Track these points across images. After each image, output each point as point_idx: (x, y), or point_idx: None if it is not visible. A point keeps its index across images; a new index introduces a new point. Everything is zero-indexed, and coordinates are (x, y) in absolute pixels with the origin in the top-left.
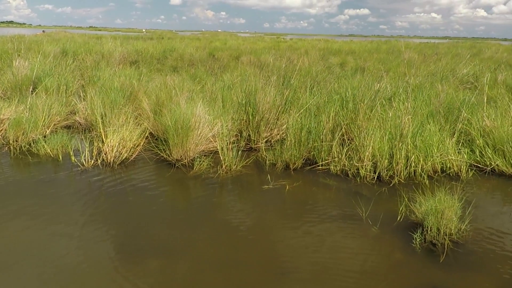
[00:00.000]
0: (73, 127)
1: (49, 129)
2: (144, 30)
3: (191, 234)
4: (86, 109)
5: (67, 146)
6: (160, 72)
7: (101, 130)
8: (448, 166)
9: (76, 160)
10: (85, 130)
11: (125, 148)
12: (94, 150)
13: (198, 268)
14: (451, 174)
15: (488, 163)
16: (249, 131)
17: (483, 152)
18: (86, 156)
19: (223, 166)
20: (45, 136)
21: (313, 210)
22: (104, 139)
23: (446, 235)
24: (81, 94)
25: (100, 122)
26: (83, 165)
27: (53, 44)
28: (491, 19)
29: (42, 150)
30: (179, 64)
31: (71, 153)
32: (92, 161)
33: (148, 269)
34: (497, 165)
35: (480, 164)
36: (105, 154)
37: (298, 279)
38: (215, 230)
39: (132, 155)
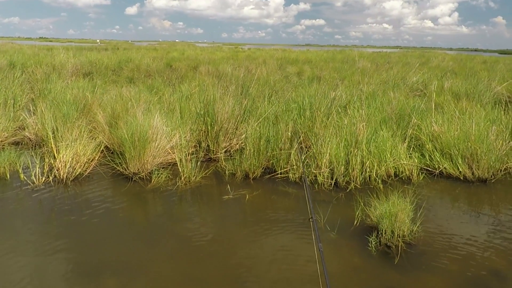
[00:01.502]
0: (22, 143)
1: None
2: (98, 41)
3: (150, 250)
4: (36, 123)
5: (15, 163)
6: (115, 83)
7: (53, 145)
8: (401, 170)
9: (25, 177)
10: (35, 146)
11: (78, 163)
12: (45, 167)
13: (157, 285)
14: (403, 178)
15: (437, 166)
16: (208, 141)
17: (432, 156)
18: (37, 173)
19: (182, 178)
20: None
21: (273, 219)
22: (56, 154)
23: (399, 237)
24: (31, 108)
25: (51, 137)
26: (33, 182)
27: None
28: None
29: None
30: (135, 75)
31: (20, 170)
32: (43, 178)
33: (105, 285)
34: (445, 168)
35: (429, 168)
36: (57, 171)
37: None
38: (175, 244)
39: (86, 170)
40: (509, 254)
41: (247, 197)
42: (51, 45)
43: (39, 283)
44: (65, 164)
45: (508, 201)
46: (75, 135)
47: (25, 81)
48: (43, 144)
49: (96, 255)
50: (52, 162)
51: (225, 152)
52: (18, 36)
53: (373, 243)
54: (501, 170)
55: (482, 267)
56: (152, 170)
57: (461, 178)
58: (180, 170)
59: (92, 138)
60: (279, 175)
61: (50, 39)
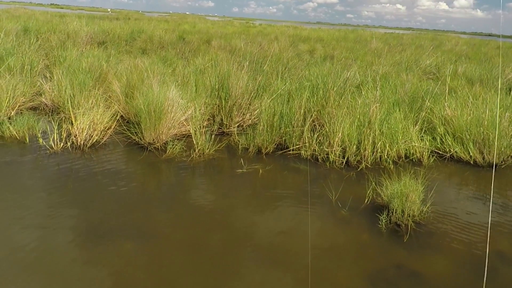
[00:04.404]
0: (39, 109)
1: (14, 111)
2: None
3: (163, 216)
4: (53, 90)
5: (34, 128)
6: (129, 54)
7: (70, 112)
8: (412, 152)
9: (44, 142)
10: (52, 112)
11: (95, 131)
12: (63, 133)
13: (168, 250)
14: (414, 160)
15: (447, 149)
16: (221, 115)
17: (443, 140)
18: (55, 138)
19: (196, 150)
20: (10, 118)
21: (284, 194)
22: (73, 121)
23: (409, 216)
24: (47, 75)
25: (68, 104)
26: (51, 148)
27: (13, 21)
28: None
29: (7, 132)
30: (148, 46)
31: (39, 135)
32: (61, 144)
33: (120, 250)
34: (456, 151)
35: (440, 151)
36: (74, 137)
37: (270, 259)
38: (187, 213)
39: (103, 138)
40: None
41: (260, 171)
42: (63, 12)
43: (54, 244)
44: (82, 131)
45: None
46: (92, 103)
47: (39, 48)
48: (60, 111)
49: (111, 220)
50: (70, 129)
51: (238, 126)
52: (29, 2)
53: (383, 221)
54: (511, 156)
55: (488, 249)
56: (167, 141)
57: (471, 162)
58: (194, 142)
59: (108, 107)
60: (291, 152)
61: (61, 5)
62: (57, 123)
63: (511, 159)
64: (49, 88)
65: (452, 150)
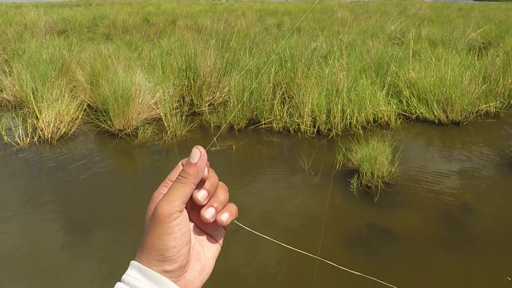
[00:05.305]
0: (1, 106)
1: None
2: None
3: (140, 203)
4: (14, 85)
5: None
6: (92, 41)
7: (34, 106)
8: (379, 116)
9: (9, 139)
10: (15, 108)
11: (62, 123)
12: (28, 128)
13: None
14: (382, 124)
15: (413, 111)
16: (191, 95)
17: (409, 102)
18: (20, 134)
19: (168, 132)
20: None
21: (259, 166)
22: (38, 115)
23: (379, 178)
24: (6, 70)
25: (31, 98)
26: (18, 144)
27: None
28: None
29: None
30: (112, 32)
31: (3, 132)
32: (28, 139)
33: (98, 239)
34: (421, 112)
35: (406, 113)
36: (41, 131)
37: (247, 224)
38: None
39: (71, 129)
40: (477, 189)
41: (234, 147)
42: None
43: (32, 239)
44: (49, 124)
45: (478, 141)
46: (56, 95)
47: None
48: (23, 106)
49: (87, 210)
50: (35, 123)
51: (209, 105)
52: None
53: (354, 184)
54: (473, 113)
55: (453, 201)
56: (137, 126)
57: (436, 121)
58: (166, 125)
59: (74, 97)
60: (263, 126)
61: None
62: (22, 119)
63: (473, 115)
64: (10, 83)
65: (417, 111)
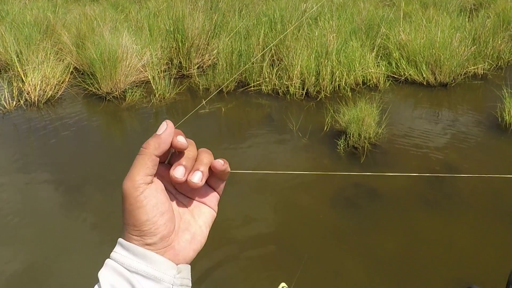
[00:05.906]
0: None
1: None
2: None
3: (129, 165)
4: None
5: None
6: (77, 2)
7: (19, 69)
8: (368, 78)
9: None
10: (0, 71)
11: (49, 86)
12: (14, 91)
13: None
14: (371, 86)
15: (402, 73)
16: (180, 58)
17: (398, 64)
18: (6, 97)
19: (157, 95)
20: None
21: (248, 128)
22: (24, 78)
23: (366, 139)
24: None
25: (16, 61)
26: (4, 107)
27: None
28: None
29: None
30: None
31: None
32: (14, 102)
33: (91, 199)
34: (410, 74)
35: (396, 75)
36: (27, 94)
37: (243, 188)
38: None
39: (58, 92)
40: (461, 148)
41: (223, 110)
42: None
43: (24, 201)
44: (35, 87)
45: (465, 102)
46: (41, 58)
47: None
48: (8, 69)
49: (77, 172)
50: (21, 86)
51: (198, 68)
52: None
53: (342, 146)
54: (461, 75)
55: (438, 161)
56: (125, 89)
57: (424, 83)
58: (154, 88)
59: (60, 60)
60: (252, 88)
61: None
62: (7, 82)
63: (461, 77)
64: None
65: (406, 73)
